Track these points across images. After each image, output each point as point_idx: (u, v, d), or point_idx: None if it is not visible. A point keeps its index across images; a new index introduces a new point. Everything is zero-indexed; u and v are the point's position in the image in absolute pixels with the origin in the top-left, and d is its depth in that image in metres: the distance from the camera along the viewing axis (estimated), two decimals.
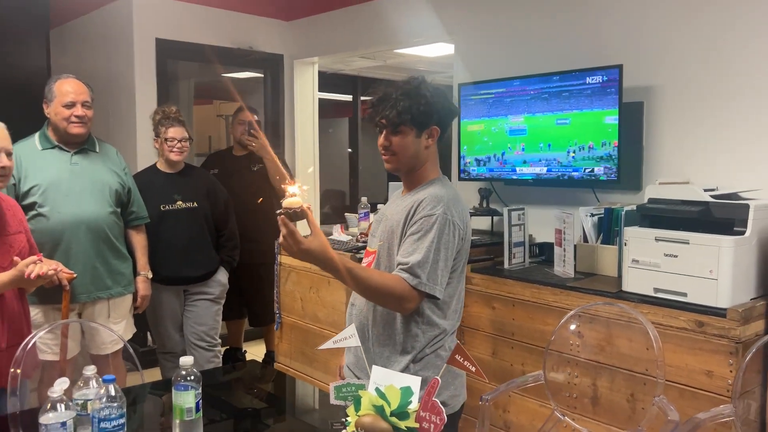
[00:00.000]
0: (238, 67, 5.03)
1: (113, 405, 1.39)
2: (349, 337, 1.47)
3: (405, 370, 1.70)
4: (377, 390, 1.36)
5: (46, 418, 1.35)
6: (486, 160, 3.48)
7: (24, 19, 4.99)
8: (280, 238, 1.54)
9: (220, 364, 3.48)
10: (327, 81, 5.87)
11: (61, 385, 1.39)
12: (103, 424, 1.36)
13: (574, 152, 3.11)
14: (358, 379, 1.60)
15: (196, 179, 3.37)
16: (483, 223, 3.59)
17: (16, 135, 2.73)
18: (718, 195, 2.48)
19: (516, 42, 3.51)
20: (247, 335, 4.43)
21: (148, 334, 4.07)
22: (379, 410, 1.33)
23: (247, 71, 5.29)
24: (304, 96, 4.94)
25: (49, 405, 1.36)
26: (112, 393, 1.39)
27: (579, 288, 2.68)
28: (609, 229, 2.92)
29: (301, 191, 1.54)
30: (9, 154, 2.11)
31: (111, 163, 2.93)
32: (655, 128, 3.01)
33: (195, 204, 3.29)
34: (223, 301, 3.46)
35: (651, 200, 2.62)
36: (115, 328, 2.83)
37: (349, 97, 7.19)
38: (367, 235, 2.45)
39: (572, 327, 2.49)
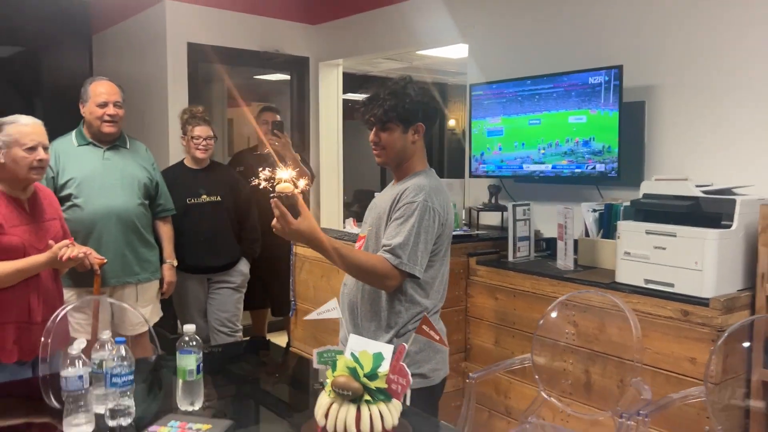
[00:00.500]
0: (265, 69, 5.26)
1: (124, 363, 1.59)
2: (331, 310, 1.64)
3: (390, 343, 1.86)
4: (352, 354, 1.53)
5: (66, 372, 1.56)
6: (495, 157, 3.62)
7: (68, 28, 5.35)
8: (274, 220, 1.72)
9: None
10: (356, 83, 6.05)
11: (79, 344, 1.60)
12: (114, 379, 1.57)
13: (575, 150, 3.22)
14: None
15: (220, 175, 3.59)
16: (493, 218, 3.73)
17: (61, 133, 3.02)
18: (709, 191, 2.57)
19: (526, 42, 3.64)
20: (270, 327, 4.65)
21: (178, 321, 4.32)
22: (353, 372, 1.50)
23: (275, 73, 5.52)
24: (329, 97, 5.13)
25: (69, 361, 1.57)
26: (123, 353, 1.60)
27: (575, 279, 2.80)
28: (609, 224, 3.03)
29: (292, 178, 1.72)
30: (45, 148, 2.34)
31: (140, 159, 3.17)
32: (657, 127, 3.10)
33: (219, 198, 3.51)
34: (244, 290, 3.67)
35: (645, 195, 2.72)
36: (142, 311, 3.06)
37: None
38: None
39: (565, 316, 2.62)
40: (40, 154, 2.30)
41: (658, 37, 3.07)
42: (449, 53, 4.95)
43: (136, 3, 4.72)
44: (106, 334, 1.71)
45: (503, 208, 3.64)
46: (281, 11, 4.92)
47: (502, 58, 3.77)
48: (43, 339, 2.09)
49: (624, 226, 2.69)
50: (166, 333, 4.12)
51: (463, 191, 3.95)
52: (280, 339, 4.68)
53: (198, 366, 1.69)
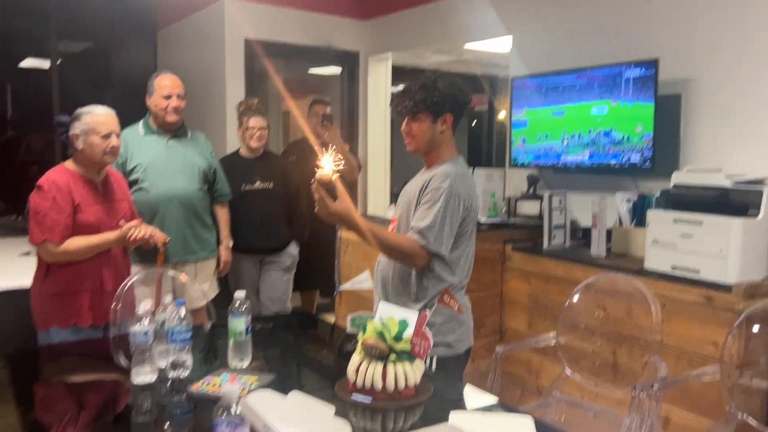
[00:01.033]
0: (318, 63, 5.49)
1: (183, 323, 1.83)
2: (364, 281, 1.83)
3: None
4: (380, 320, 1.73)
5: (133, 329, 1.81)
6: (535, 148, 3.74)
7: (135, 25, 5.72)
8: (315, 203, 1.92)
9: None
10: (407, 76, 6.20)
11: (145, 305, 1.84)
12: (174, 336, 1.81)
13: (612, 141, 3.32)
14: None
15: (272, 164, 3.83)
16: (532, 207, 3.84)
17: (128, 123, 3.31)
18: (739, 181, 2.65)
19: (565, 35, 3.74)
20: (320, 309, 4.90)
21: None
22: (380, 335, 1.70)
23: (327, 67, 5.75)
24: (377, 90, 5.32)
25: (136, 320, 1.82)
26: (182, 314, 1.83)
27: (605, 265, 2.92)
28: (642, 213, 3.12)
29: (334, 165, 1.92)
30: (117, 135, 2.61)
31: (200, 147, 3.43)
32: (692, 119, 3.17)
33: (271, 185, 3.75)
34: (293, 271, 3.91)
35: (675, 186, 2.81)
36: (200, 287, 3.33)
37: None
38: None
39: (594, 299, 2.73)
40: (113, 140, 2.57)
41: (694, 31, 3.13)
42: (496, 47, 5.06)
43: (197, 1, 5.02)
44: (168, 298, 1.95)
45: (541, 198, 3.75)
46: (333, 7, 5.14)
47: (545, 51, 3.88)
48: (113, 305, 2.37)
49: (653, 215, 2.79)
50: (225, 311, 4.40)
51: (503, 181, 4.08)
52: (328, 319, 4.92)
53: (247, 328, 1.92)
